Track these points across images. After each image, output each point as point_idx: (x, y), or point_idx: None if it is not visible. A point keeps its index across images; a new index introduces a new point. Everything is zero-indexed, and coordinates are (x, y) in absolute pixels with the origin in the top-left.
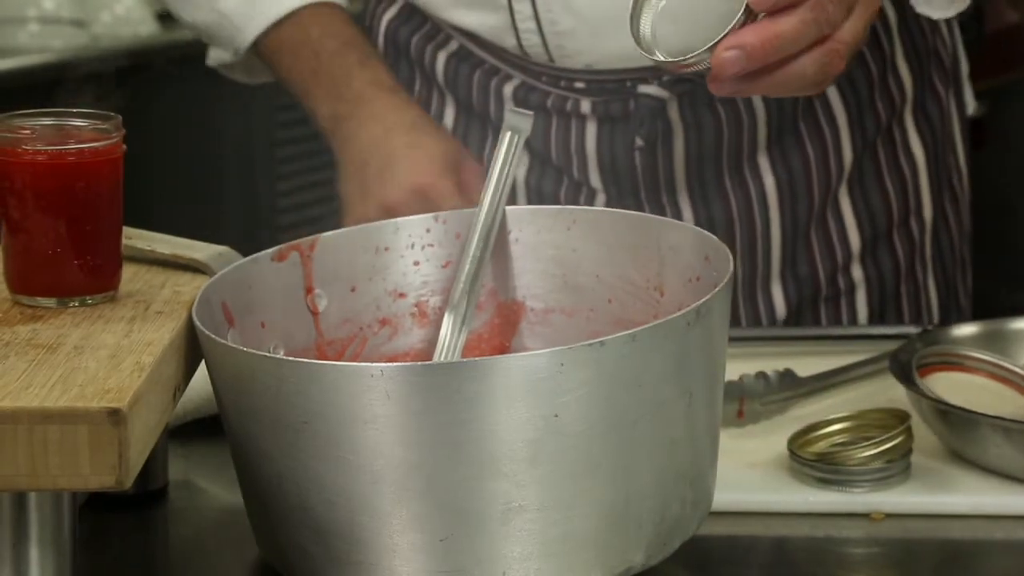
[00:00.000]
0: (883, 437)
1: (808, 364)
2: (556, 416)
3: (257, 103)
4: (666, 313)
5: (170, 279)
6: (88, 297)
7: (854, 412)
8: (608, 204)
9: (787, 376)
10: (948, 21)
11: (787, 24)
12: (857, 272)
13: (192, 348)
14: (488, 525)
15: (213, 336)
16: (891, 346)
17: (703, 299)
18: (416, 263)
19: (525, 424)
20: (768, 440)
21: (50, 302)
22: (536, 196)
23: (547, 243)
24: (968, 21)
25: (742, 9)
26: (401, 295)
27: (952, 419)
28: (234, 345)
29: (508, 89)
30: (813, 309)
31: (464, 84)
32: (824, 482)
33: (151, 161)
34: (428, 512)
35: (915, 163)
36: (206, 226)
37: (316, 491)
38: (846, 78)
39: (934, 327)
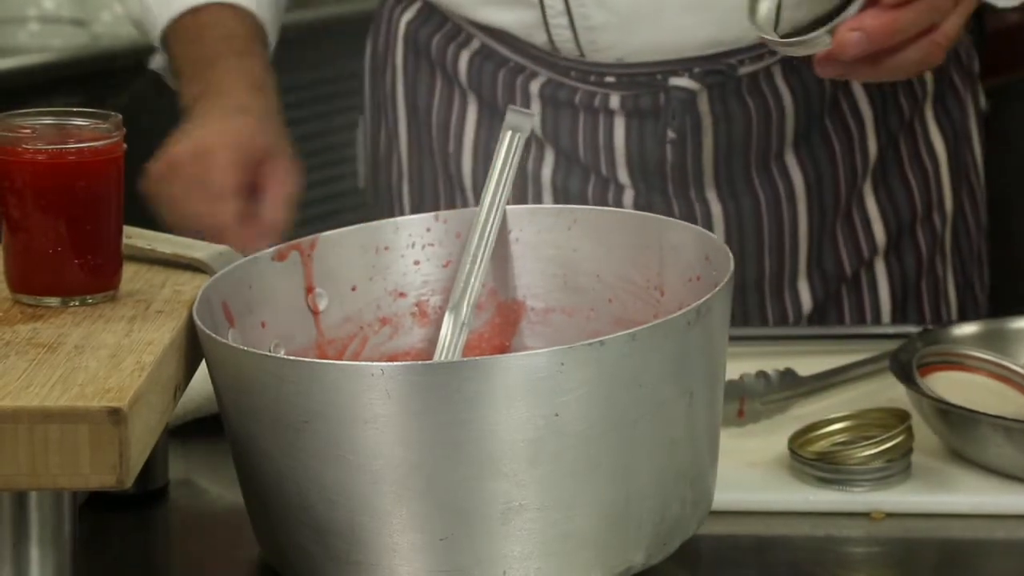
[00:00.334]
0: (883, 436)
1: (808, 364)
2: (556, 415)
3: None
4: (666, 313)
5: (170, 278)
6: (88, 296)
7: (854, 411)
8: (636, 200)
9: (788, 375)
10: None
11: (905, 11)
12: (880, 266)
13: (192, 347)
14: (488, 525)
15: (214, 335)
16: (891, 345)
17: (703, 299)
18: (416, 262)
19: (525, 424)
20: (768, 439)
21: (51, 301)
22: (563, 194)
23: (547, 242)
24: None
25: None
26: (401, 294)
27: (952, 418)
28: (235, 345)
29: (535, 87)
30: (837, 304)
31: (488, 83)
32: (824, 481)
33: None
34: (428, 512)
35: (936, 157)
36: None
37: (316, 490)
38: None
39: (934, 327)
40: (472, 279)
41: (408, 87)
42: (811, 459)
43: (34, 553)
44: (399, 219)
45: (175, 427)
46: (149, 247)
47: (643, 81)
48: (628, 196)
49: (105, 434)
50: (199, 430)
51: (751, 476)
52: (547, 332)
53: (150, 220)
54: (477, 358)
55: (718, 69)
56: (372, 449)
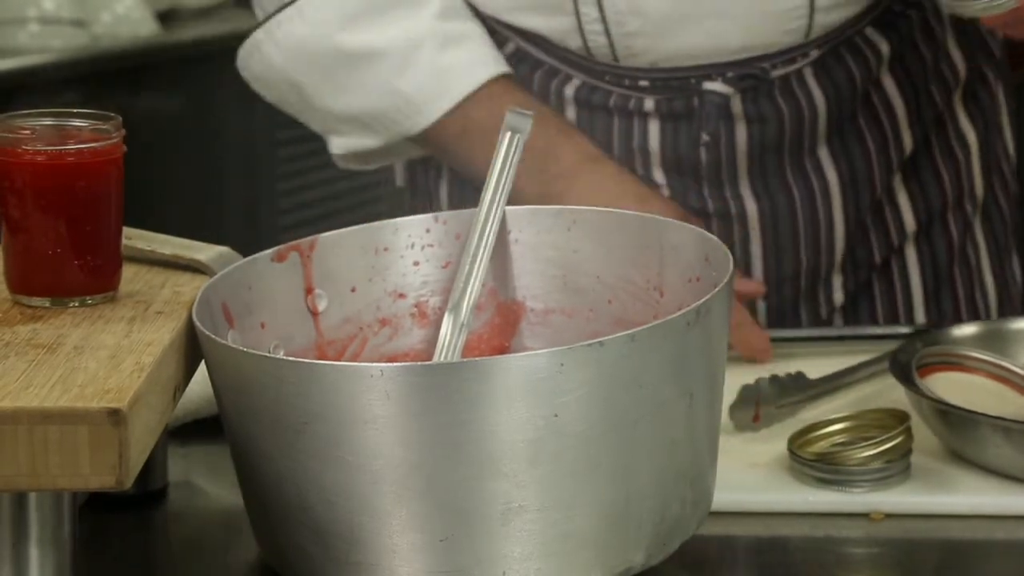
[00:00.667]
0: (883, 437)
1: (808, 365)
2: (556, 416)
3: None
4: (666, 313)
5: (170, 279)
6: (88, 297)
7: (854, 412)
8: (671, 197)
9: (799, 378)
10: None
11: None
12: (911, 254)
13: (192, 348)
14: (488, 525)
15: (213, 336)
16: (892, 346)
17: (703, 299)
18: (416, 263)
19: (525, 424)
20: (768, 440)
21: (50, 302)
22: None
23: (547, 243)
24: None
25: None
26: (401, 295)
27: (952, 419)
28: (234, 346)
29: (569, 90)
30: (868, 295)
31: (524, 85)
32: (824, 482)
33: (151, 161)
34: (428, 512)
35: (968, 146)
36: (206, 226)
37: (316, 491)
38: (901, 66)
39: (934, 328)
40: (472, 280)
41: None
42: (811, 460)
43: (34, 553)
44: (398, 220)
45: (175, 428)
46: (149, 248)
47: (677, 85)
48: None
49: (105, 435)
50: (198, 431)
51: (751, 477)
52: (547, 333)
53: (150, 220)
54: (477, 359)
55: (751, 73)
56: (372, 450)
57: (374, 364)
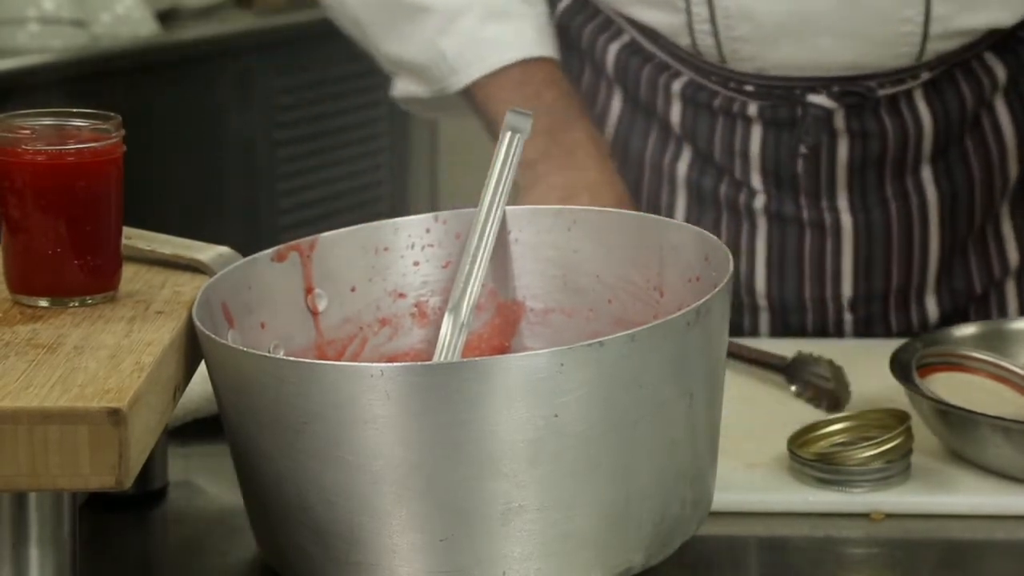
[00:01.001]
0: (883, 437)
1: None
2: (556, 416)
3: (257, 104)
4: (666, 313)
5: (170, 279)
6: (88, 297)
7: (854, 412)
8: (768, 205)
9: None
10: None
11: None
12: (1011, 288)
13: (192, 348)
14: (488, 525)
15: (213, 336)
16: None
17: (703, 299)
18: (416, 263)
19: (525, 424)
20: (768, 440)
21: (50, 302)
22: (696, 191)
23: (547, 243)
24: None
25: None
26: (401, 295)
27: (952, 419)
28: (234, 345)
29: (677, 85)
30: (964, 321)
31: (633, 77)
32: (824, 482)
33: (151, 161)
34: (428, 512)
35: None
36: (206, 226)
37: (316, 491)
38: (1016, 92)
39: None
40: (472, 280)
41: None
42: (811, 460)
43: (34, 553)
44: (398, 220)
45: (174, 428)
46: (149, 248)
47: (781, 94)
48: (759, 200)
49: (105, 435)
50: (198, 431)
51: (751, 477)
52: (547, 333)
53: (150, 220)
54: (477, 359)
55: (856, 91)
56: (372, 450)
57: (374, 364)
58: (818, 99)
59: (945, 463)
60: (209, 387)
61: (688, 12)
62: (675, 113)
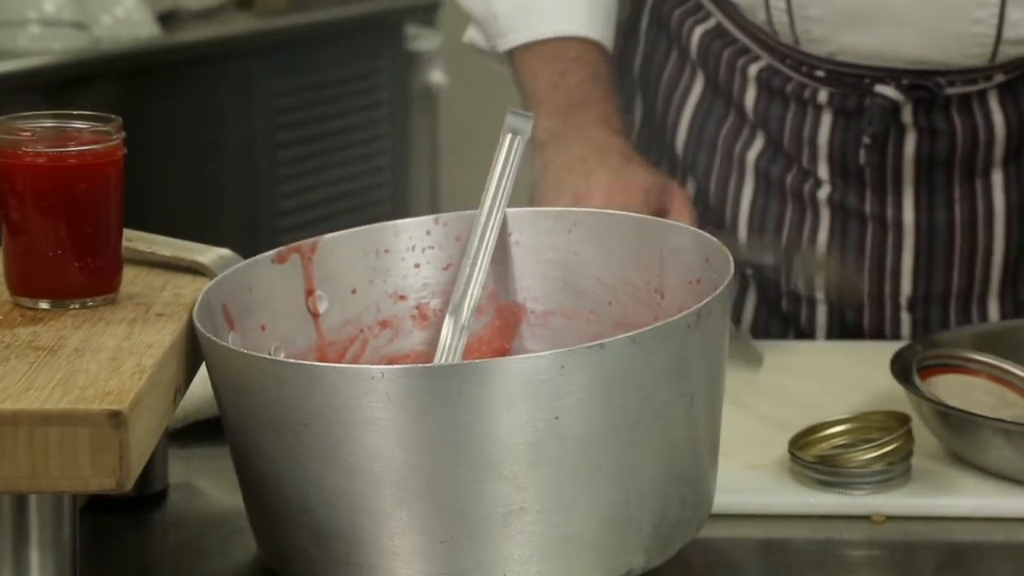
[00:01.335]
0: (884, 439)
1: (811, 367)
2: (556, 418)
3: (258, 105)
4: (667, 315)
5: (171, 281)
6: (88, 299)
7: (855, 414)
8: (832, 196)
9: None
10: None
11: None
12: None
13: (193, 350)
14: (488, 527)
15: (214, 338)
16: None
17: (704, 301)
18: (417, 265)
19: (525, 426)
20: (769, 442)
21: (51, 304)
22: (764, 179)
23: (548, 245)
24: None
25: None
26: (402, 297)
27: (953, 421)
28: (235, 348)
29: (753, 69)
30: None
31: (714, 60)
32: (825, 484)
33: (152, 163)
34: (428, 514)
35: None
36: (207, 228)
37: (316, 493)
38: None
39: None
40: (472, 282)
41: (645, 56)
42: (811, 462)
43: (34, 556)
44: (399, 222)
45: (175, 430)
46: (149, 250)
47: (850, 82)
48: (824, 191)
49: (105, 437)
50: (199, 433)
51: (751, 479)
52: (547, 335)
53: (151, 222)
54: (477, 361)
55: (924, 85)
56: (372, 452)
57: (375, 366)
58: (886, 90)
59: (946, 465)
60: (209, 389)
61: None
62: (750, 98)
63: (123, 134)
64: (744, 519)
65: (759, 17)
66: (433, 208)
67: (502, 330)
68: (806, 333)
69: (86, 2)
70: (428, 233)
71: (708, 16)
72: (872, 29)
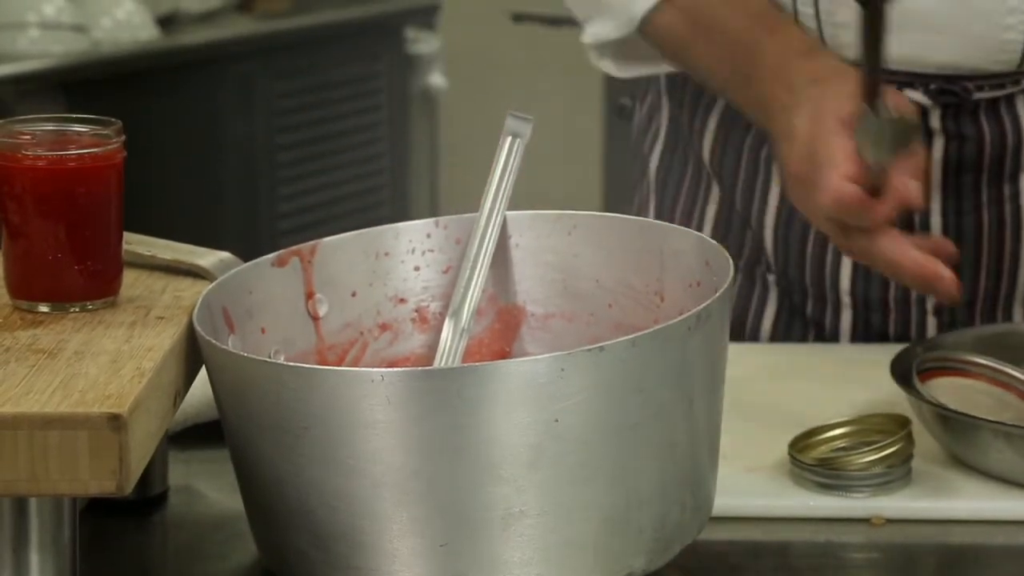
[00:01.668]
0: (884, 442)
1: (811, 370)
2: (556, 421)
3: (258, 108)
4: (667, 318)
5: (171, 284)
6: (88, 302)
7: (855, 417)
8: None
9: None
10: None
11: None
12: None
13: (193, 353)
14: (488, 530)
15: (214, 342)
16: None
17: (704, 304)
18: (416, 268)
19: (525, 429)
20: (769, 445)
21: (50, 307)
22: None
23: (547, 248)
24: None
25: None
26: (402, 300)
27: (953, 424)
28: (235, 351)
29: None
30: None
31: None
32: (825, 487)
33: (152, 166)
34: (428, 517)
35: None
36: (207, 231)
37: (316, 496)
38: None
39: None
40: (472, 285)
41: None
42: (811, 465)
43: (34, 559)
44: (399, 225)
45: (175, 433)
46: (149, 253)
47: None
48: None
49: (105, 440)
50: (199, 436)
51: (751, 481)
52: (547, 338)
53: (151, 225)
54: (477, 364)
55: (952, 90)
56: (372, 454)
57: (375, 369)
58: (914, 95)
59: (946, 468)
60: (209, 392)
61: None
62: None
63: (123, 137)
64: (744, 522)
65: None
66: (433, 211)
67: (502, 333)
68: (830, 338)
69: (86, 5)
70: (428, 236)
71: None
72: (902, 35)
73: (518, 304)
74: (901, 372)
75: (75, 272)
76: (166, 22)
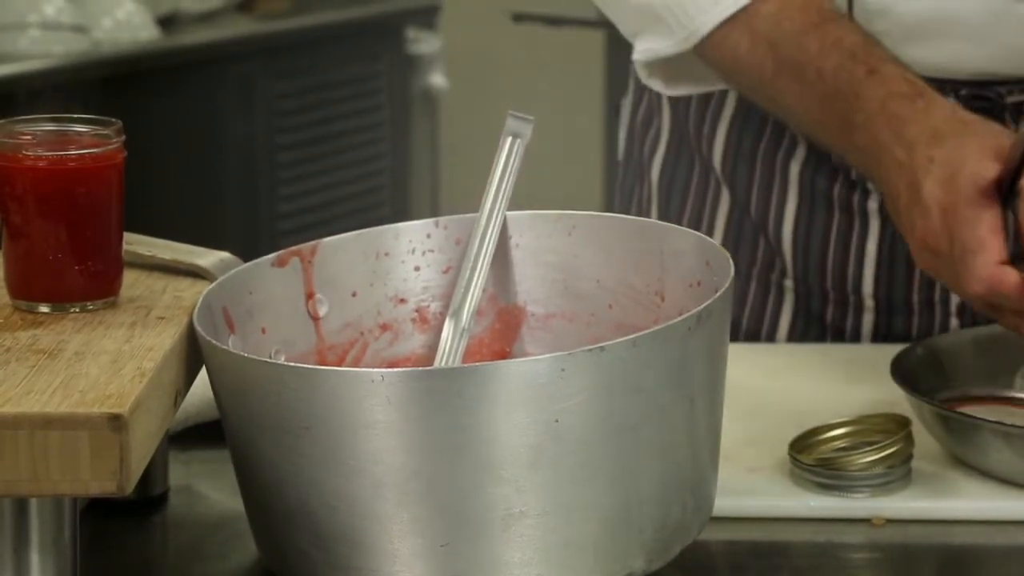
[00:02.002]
0: (884, 442)
1: (811, 370)
2: (557, 421)
3: (258, 108)
4: (667, 318)
5: (171, 284)
6: (89, 302)
7: (855, 417)
8: (882, 207)
9: None
10: None
11: None
12: None
13: (193, 353)
14: (489, 531)
15: (214, 342)
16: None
17: (704, 304)
18: (417, 268)
19: (526, 429)
20: (769, 445)
21: (51, 307)
22: (808, 189)
23: (548, 248)
24: None
25: None
26: (402, 300)
27: (953, 424)
28: (235, 351)
29: None
30: None
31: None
32: (825, 487)
33: (152, 166)
34: (429, 517)
35: None
36: (207, 231)
37: (317, 496)
38: None
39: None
40: (472, 285)
41: None
42: (812, 465)
43: (35, 559)
44: (399, 225)
45: (175, 433)
46: (150, 253)
47: None
48: (874, 201)
49: (105, 440)
50: (199, 436)
51: (752, 482)
52: (548, 338)
53: (151, 226)
54: (477, 364)
55: (985, 95)
56: (372, 455)
57: (375, 369)
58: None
59: (946, 468)
60: (210, 392)
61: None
62: None
63: (123, 137)
64: (744, 522)
65: None
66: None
67: (502, 333)
68: (850, 342)
69: (86, 5)
70: (428, 236)
71: None
72: (937, 43)
73: (518, 304)
74: (901, 372)
75: (75, 272)
76: (166, 22)
